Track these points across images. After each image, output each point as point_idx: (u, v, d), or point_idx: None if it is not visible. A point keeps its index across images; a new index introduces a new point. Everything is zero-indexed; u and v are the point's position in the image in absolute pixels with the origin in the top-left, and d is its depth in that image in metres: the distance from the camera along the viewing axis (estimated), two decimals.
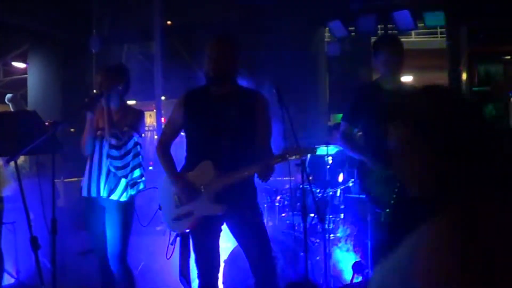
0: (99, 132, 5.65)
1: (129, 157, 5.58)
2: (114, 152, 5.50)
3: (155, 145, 5.20)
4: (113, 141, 5.46)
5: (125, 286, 5.78)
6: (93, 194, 5.63)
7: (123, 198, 5.59)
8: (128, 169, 5.58)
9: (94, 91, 5.64)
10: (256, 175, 4.88)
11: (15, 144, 4.82)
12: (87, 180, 5.67)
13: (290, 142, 4.68)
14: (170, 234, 5.16)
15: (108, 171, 5.58)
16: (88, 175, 5.67)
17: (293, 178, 5.13)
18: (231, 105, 4.86)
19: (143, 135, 5.83)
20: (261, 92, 5.06)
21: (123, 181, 5.59)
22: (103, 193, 5.60)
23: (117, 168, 5.53)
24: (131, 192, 5.63)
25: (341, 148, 7.16)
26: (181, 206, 4.94)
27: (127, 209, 5.66)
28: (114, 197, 5.58)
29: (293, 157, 4.64)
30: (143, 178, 5.76)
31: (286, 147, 4.65)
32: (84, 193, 5.68)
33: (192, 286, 5.28)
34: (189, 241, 5.06)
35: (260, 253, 4.94)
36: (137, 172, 5.67)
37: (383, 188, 5.37)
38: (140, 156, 5.71)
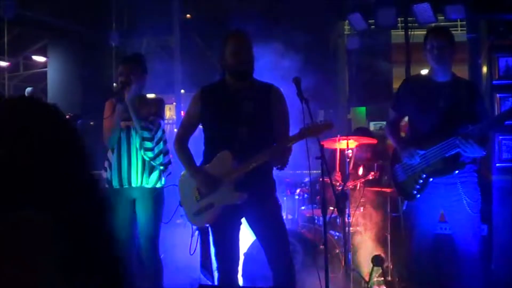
0: (123, 123, 5.69)
1: (161, 144, 5.71)
2: (148, 144, 5.59)
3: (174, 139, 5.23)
4: (146, 134, 5.55)
5: (155, 273, 5.84)
6: (125, 185, 5.69)
7: (158, 185, 5.71)
8: (162, 156, 5.70)
9: (120, 80, 5.66)
10: (274, 169, 4.90)
11: None
12: (116, 171, 5.73)
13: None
14: (192, 229, 5.17)
15: (143, 161, 5.66)
16: (117, 166, 5.72)
17: (313, 172, 5.09)
18: (247, 98, 4.90)
19: (164, 125, 5.90)
20: (275, 85, 5.08)
21: (157, 169, 5.67)
22: (137, 182, 5.67)
23: (152, 158, 5.65)
24: (165, 178, 5.81)
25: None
26: (201, 199, 4.95)
27: (160, 195, 5.79)
28: (150, 184, 5.66)
29: (311, 134, 4.62)
30: (171, 164, 5.87)
31: (302, 126, 4.64)
32: (115, 185, 5.72)
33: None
34: (208, 235, 5.07)
35: (278, 247, 4.96)
36: (167, 158, 5.78)
37: (407, 177, 5.40)
38: (167, 143, 5.80)
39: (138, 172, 5.69)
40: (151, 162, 5.68)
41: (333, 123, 4.68)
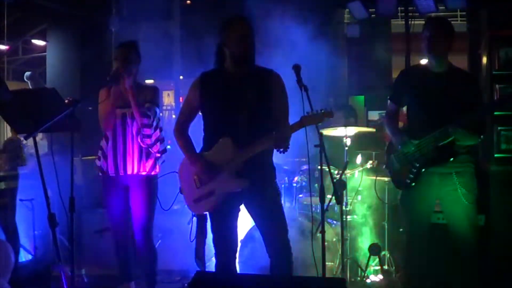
0: (118, 111, 5.69)
1: (157, 131, 5.69)
2: (147, 131, 5.59)
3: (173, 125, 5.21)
4: (145, 120, 5.55)
5: (149, 259, 5.87)
6: (121, 172, 5.71)
7: (153, 172, 5.76)
8: (159, 143, 5.70)
9: (115, 66, 5.65)
10: (275, 151, 4.89)
11: (34, 121, 4.84)
12: (112, 159, 5.73)
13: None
14: (192, 216, 5.17)
15: (139, 148, 5.67)
16: (113, 154, 5.73)
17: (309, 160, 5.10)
18: (247, 84, 4.88)
19: (161, 114, 5.87)
20: (276, 71, 5.05)
21: (152, 156, 5.70)
22: (131, 170, 5.68)
23: (150, 145, 5.66)
24: (159, 164, 5.81)
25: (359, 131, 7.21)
26: (201, 186, 4.94)
27: (154, 183, 5.80)
28: (144, 172, 5.67)
29: (311, 122, 4.63)
30: (166, 153, 5.87)
31: (303, 114, 4.64)
32: (112, 172, 5.73)
33: (207, 266, 5.29)
34: (205, 222, 5.07)
35: (277, 235, 4.96)
36: (163, 145, 5.79)
37: (401, 167, 5.41)
38: (162, 130, 5.80)
39: (134, 159, 5.70)
40: (149, 149, 5.68)
41: (333, 112, 4.68)
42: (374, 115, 13.86)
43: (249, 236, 6.69)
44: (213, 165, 4.88)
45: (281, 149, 4.76)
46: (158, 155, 5.75)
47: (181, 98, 10.77)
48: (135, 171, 5.71)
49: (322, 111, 4.67)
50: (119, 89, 5.65)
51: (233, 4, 9.22)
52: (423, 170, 5.30)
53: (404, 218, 5.68)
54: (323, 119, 4.65)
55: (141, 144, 5.66)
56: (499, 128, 6.76)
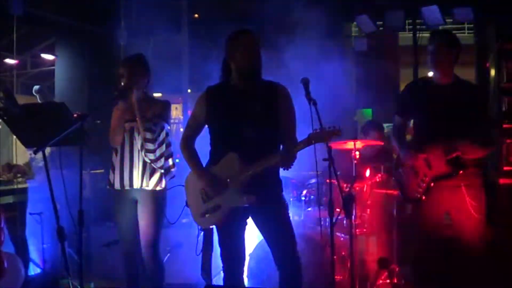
0: (127, 125, 5.69)
1: (163, 147, 5.68)
2: (150, 146, 5.56)
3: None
4: (148, 135, 5.53)
5: (155, 274, 5.84)
6: (127, 187, 5.70)
7: (158, 187, 5.68)
8: (163, 159, 5.67)
9: (122, 83, 5.65)
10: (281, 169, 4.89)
11: (43, 135, 4.85)
12: (119, 173, 5.73)
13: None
14: (198, 229, 5.16)
15: (144, 163, 5.65)
16: (119, 168, 5.72)
17: (319, 172, 5.09)
18: (253, 98, 4.88)
19: (169, 127, 5.86)
20: (282, 84, 5.06)
21: (158, 171, 5.65)
22: (137, 184, 5.66)
23: (154, 161, 5.63)
24: (165, 181, 5.71)
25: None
26: (208, 200, 4.94)
27: (161, 198, 5.78)
28: (150, 187, 5.65)
29: (319, 140, 4.61)
30: (175, 168, 5.84)
31: (311, 132, 4.62)
32: (117, 186, 5.74)
33: (214, 281, 5.28)
34: (212, 236, 5.07)
35: (285, 248, 4.95)
36: (170, 161, 5.78)
37: (410, 181, 5.40)
38: (171, 146, 5.78)
39: (139, 174, 5.69)
40: (152, 164, 5.66)
41: (341, 130, 4.63)
42: (388, 128, 13.85)
43: (258, 249, 6.68)
44: (219, 179, 4.87)
45: (284, 168, 4.76)
46: (162, 171, 5.72)
47: (189, 111, 10.76)
48: (141, 185, 5.69)
49: (331, 129, 4.64)
50: (128, 103, 5.65)
51: (240, 18, 9.24)
52: (433, 184, 5.30)
53: (413, 231, 5.67)
54: (331, 137, 4.62)
55: (145, 159, 5.65)
56: (508, 140, 6.76)
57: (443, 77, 5.37)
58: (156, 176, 5.70)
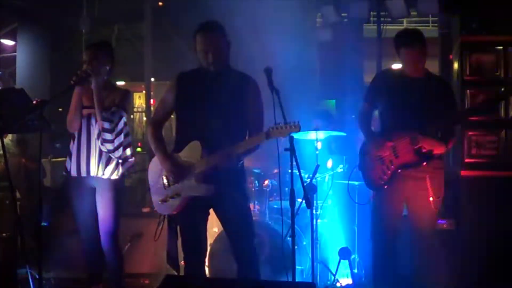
0: (85, 111, 5.61)
1: (121, 137, 5.61)
2: (107, 136, 5.49)
3: (144, 127, 5.19)
4: (106, 125, 5.45)
5: (114, 264, 5.79)
6: (83, 174, 5.62)
7: (114, 176, 5.61)
8: (121, 149, 5.60)
9: (84, 67, 5.54)
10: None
11: (2, 122, 4.78)
12: (75, 160, 5.65)
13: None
14: (160, 217, 5.12)
15: (101, 151, 5.57)
16: (76, 155, 5.64)
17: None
18: (222, 87, 4.86)
19: (131, 116, 5.81)
20: (251, 76, 5.03)
21: (114, 160, 5.59)
22: (94, 172, 5.59)
23: (111, 151, 5.55)
24: (122, 170, 5.65)
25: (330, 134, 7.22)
26: (169, 187, 4.92)
27: (118, 187, 5.70)
28: (106, 175, 5.59)
29: (277, 135, 4.57)
30: (133, 158, 5.79)
31: (270, 126, 4.59)
32: (74, 173, 5.65)
33: (182, 268, 5.26)
34: (176, 224, 5.04)
35: (242, 239, 4.97)
36: (128, 151, 5.71)
37: (375, 168, 5.50)
38: (129, 135, 5.71)
39: (95, 161, 5.61)
40: (109, 154, 5.59)
41: (300, 127, 4.56)
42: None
43: (219, 240, 6.66)
44: (182, 166, 4.85)
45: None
46: (120, 160, 5.66)
47: (152, 100, 10.73)
48: (97, 173, 5.62)
49: (290, 125, 4.57)
50: (86, 88, 5.55)
51: (204, 6, 9.19)
52: (399, 171, 5.35)
53: (373, 219, 5.73)
54: (289, 133, 4.56)
55: (102, 149, 5.57)
56: (469, 133, 6.80)
57: (415, 71, 5.43)
58: (112, 165, 5.62)
